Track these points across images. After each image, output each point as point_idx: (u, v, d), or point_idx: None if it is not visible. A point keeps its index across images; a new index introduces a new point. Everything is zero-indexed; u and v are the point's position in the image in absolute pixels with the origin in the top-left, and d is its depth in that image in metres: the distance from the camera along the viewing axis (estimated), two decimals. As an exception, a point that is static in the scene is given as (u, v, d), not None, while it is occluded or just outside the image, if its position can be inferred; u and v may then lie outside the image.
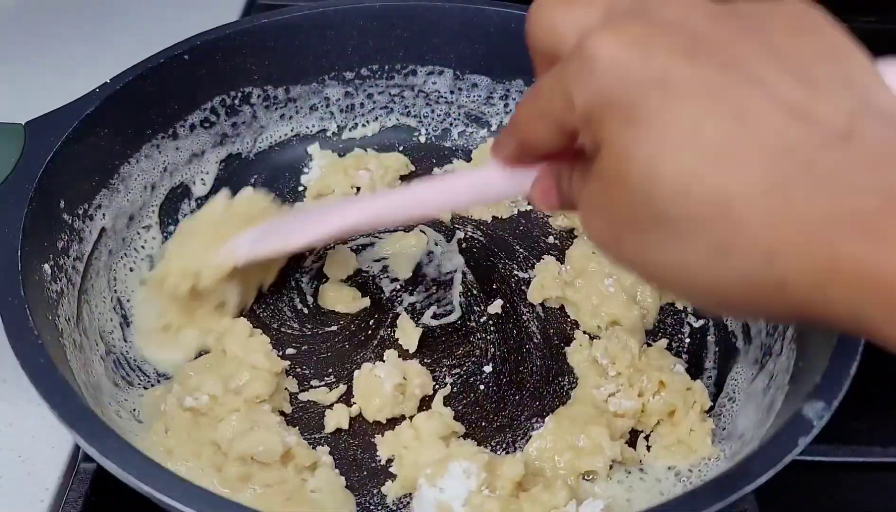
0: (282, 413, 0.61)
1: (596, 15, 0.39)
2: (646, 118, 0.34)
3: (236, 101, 0.77)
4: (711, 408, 0.61)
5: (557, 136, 0.40)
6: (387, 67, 0.81)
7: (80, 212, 0.65)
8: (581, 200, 0.40)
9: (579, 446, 0.57)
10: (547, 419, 0.60)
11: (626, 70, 0.35)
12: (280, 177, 0.80)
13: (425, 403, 0.62)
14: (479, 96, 0.82)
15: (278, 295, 0.70)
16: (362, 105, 0.82)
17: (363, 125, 0.82)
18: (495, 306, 0.69)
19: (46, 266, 0.59)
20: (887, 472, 0.61)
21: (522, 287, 0.71)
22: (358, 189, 0.78)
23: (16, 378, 0.49)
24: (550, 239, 0.75)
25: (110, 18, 1.00)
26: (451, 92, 0.82)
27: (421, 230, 0.75)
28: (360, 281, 0.71)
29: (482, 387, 0.64)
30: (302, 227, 0.61)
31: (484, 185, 0.50)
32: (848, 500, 0.61)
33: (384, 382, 0.61)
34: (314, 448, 0.59)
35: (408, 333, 0.66)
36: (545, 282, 0.69)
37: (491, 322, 0.69)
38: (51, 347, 0.51)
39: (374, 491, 0.58)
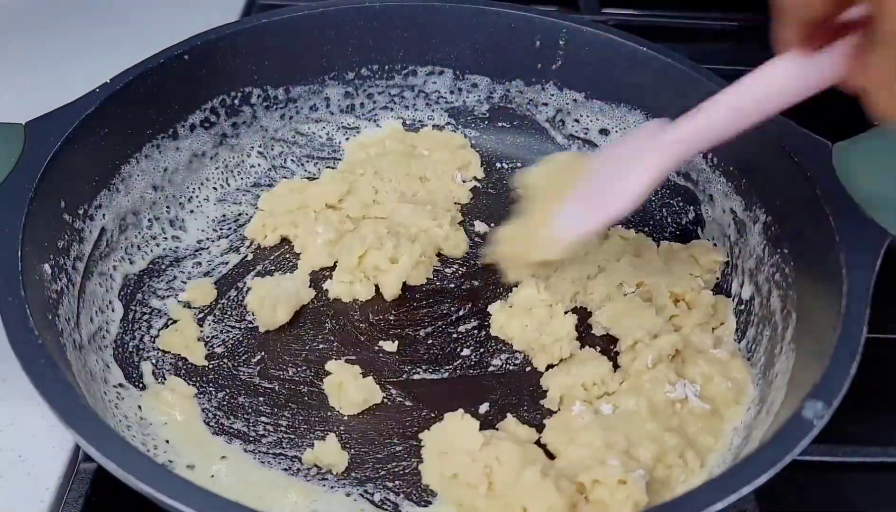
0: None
1: None
2: None
3: (236, 102, 0.77)
4: None
5: (831, 2, 0.39)
6: (387, 67, 0.81)
7: (81, 212, 0.65)
8: (867, 73, 0.39)
9: None
10: None
11: None
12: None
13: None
14: (480, 96, 0.82)
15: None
16: (362, 105, 0.82)
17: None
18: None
19: (46, 266, 0.59)
20: (887, 472, 0.61)
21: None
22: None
23: (16, 378, 0.49)
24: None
25: (110, 18, 1.00)
26: (451, 92, 0.82)
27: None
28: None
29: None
30: (619, 185, 0.57)
31: (793, 79, 0.48)
32: (848, 500, 0.61)
33: None
34: None
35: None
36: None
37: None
38: (51, 347, 0.51)
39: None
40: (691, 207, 0.75)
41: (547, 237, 0.60)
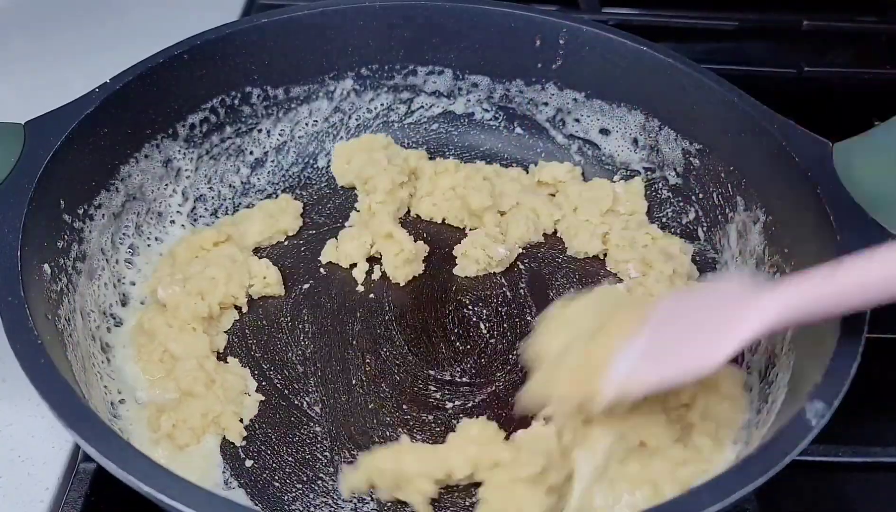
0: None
1: None
2: None
3: (236, 101, 0.77)
4: None
5: None
6: (387, 67, 0.81)
7: (80, 212, 0.65)
8: None
9: None
10: None
11: None
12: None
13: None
14: (480, 96, 0.82)
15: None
16: (362, 105, 0.82)
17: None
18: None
19: (46, 266, 0.59)
20: (887, 472, 0.61)
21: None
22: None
23: (16, 378, 0.49)
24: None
25: (110, 18, 1.00)
26: (451, 92, 0.82)
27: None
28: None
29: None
30: (703, 339, 0.51)
31: None
32: (848, 500, 0.61)
33: None
34: None
35: None
36: None
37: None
38: (51, 347, 0.51)
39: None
40: (691, 208, 0.75)
41: (600, 379, 0.53)
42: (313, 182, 0.81)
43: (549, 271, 0.73)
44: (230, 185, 0.78)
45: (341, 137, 0.82)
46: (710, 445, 0.57)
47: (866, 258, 0.47)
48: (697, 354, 0.50)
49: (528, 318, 0.69)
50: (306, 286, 0.71)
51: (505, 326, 0.69)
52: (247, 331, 0.68)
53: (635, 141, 0.78)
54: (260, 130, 0.79)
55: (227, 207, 0.77)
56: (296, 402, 0.63)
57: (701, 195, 0.74)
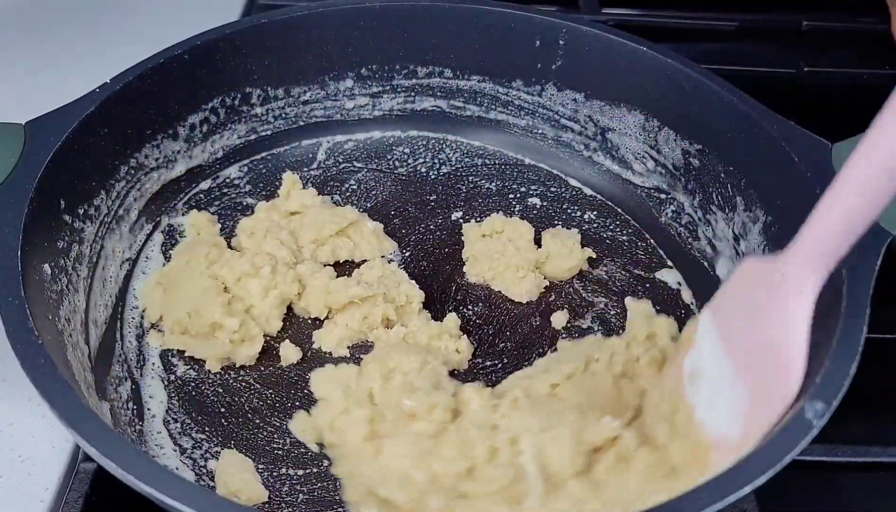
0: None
1: None
2: None
3: (236, 101, 0.77)
4: None
5: None
6: (387, 67, 0.81)
7: (81, 212, 0.65)
8: None
9: None
10: None
11: None
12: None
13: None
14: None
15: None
16: (362, 106, 0.82)
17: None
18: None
19: (46, 266, 0.59)
20: (887, 472, 0.61)
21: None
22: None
23: (16, 378, 0.49)
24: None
25: (110, 18, 1.00)
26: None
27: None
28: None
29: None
30: (776, 367, 0.49)
31: None
32: (848, 500, 0.61)
33: None
34: None
35: None
36: None
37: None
38: (51, 347, 0.51)
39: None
40: (688, 204, 0.75)
41: (710, 457, 0.51)
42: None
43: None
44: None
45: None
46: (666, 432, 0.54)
47: (847, 170, 0.44)
48: (782, 382, 0.49)
49: (533, 322, 0.70)
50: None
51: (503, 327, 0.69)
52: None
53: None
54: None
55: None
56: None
57: (701, 195, 0.74)
